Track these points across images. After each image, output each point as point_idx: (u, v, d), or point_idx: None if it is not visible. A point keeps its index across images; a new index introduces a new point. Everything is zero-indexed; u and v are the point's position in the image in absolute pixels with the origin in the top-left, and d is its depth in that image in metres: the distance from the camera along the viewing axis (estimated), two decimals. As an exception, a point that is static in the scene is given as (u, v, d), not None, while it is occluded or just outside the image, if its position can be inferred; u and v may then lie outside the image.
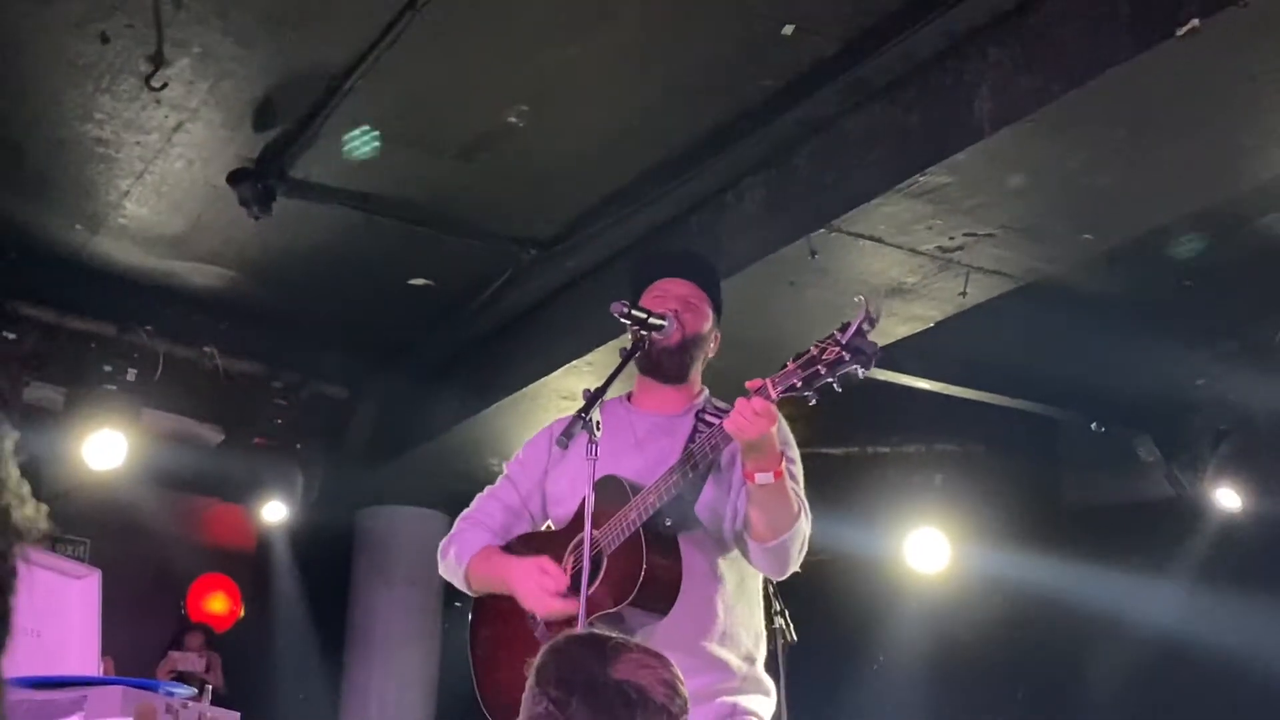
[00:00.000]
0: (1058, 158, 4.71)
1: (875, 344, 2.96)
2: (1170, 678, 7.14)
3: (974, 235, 5.22)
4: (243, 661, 8.50)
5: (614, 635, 2.35)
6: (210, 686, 3.88)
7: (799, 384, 3.02)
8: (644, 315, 3.45)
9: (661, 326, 3.46)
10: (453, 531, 3.70)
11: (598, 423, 3.23)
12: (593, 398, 3.26)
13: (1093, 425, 7.42)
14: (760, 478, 3.15)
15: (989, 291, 5.66)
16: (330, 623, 8.44)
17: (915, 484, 7.86)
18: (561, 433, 3.26)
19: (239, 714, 3.41)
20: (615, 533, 3.31)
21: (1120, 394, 7.06)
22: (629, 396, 3.65)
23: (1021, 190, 4.93)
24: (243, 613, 8.92)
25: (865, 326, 2.95)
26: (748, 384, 3.14)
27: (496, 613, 3.52)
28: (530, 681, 2.27)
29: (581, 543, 3.32)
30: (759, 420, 3.05)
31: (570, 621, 3.22)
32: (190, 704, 3.27)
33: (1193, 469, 7.11)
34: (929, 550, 7.73)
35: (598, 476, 3.35)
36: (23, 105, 5.41)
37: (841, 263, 5.44)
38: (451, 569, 3.66)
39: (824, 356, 2.97)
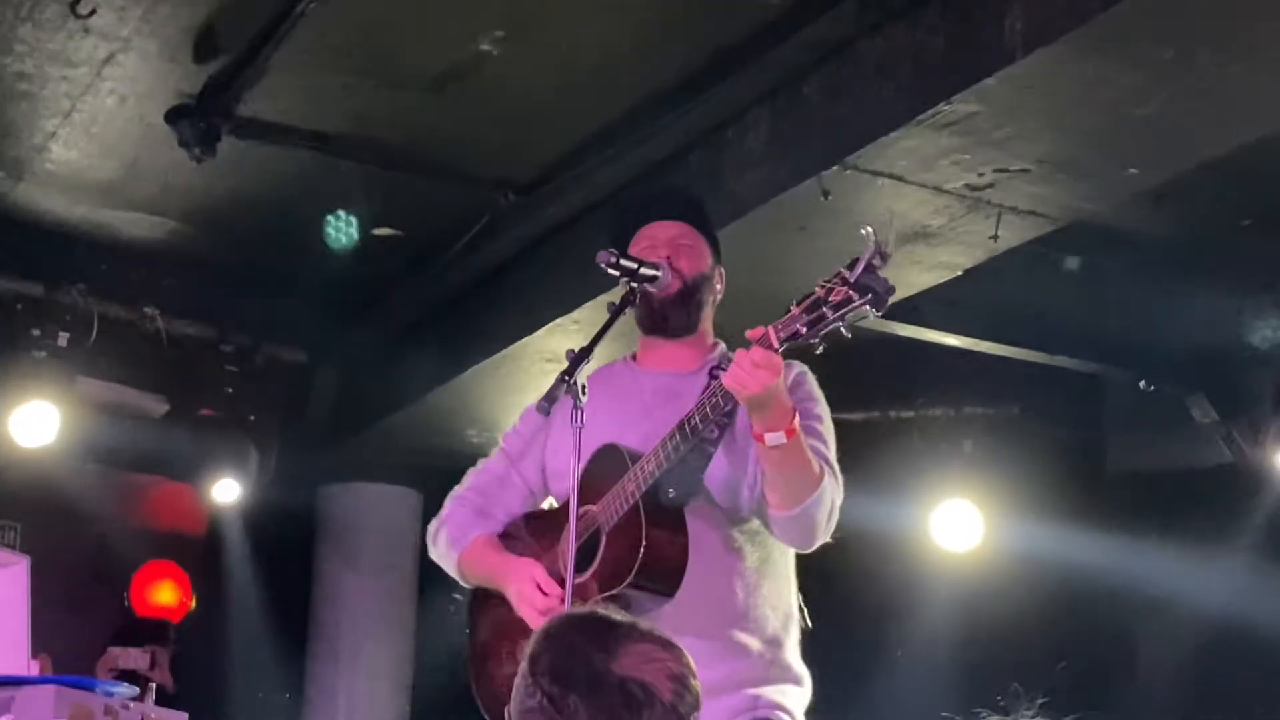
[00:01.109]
0: (1099, 83, 4.68)
1: (887, 281, 2.96)
2: (1229, 661, 7.18)
3: (1006, 171, 5.21)
4: (194, 658, 8.52)
5: (618, 618, 2.32)
6: (154, 685, 3.90)
7: (804, 330, 3.02)
8: (634, 265, 3.46)
9: (655, 277, 3.47)
10: (442, 513, 3.74)
11: (583, 386, 3.24)
12: (577, 358, 3.27)
13: (1140, 384, 7.42)
14: (770, 438, 3.13)
15: (1023, 234, 5.65)
16: (291, 614, 8.48)
17: (943, 452, 7.87)
18: (543, 398, 3.26)
19: (186, 714, 3.43)
20: (614, 507, 3.32)
21: (1171, 348, 7.06)
22: (634, 356, 3.66)
23: (1059, 120, 4.92)
24: (193, 604, 8.94)
25: (875, 262, 2.95)
26: (748, 333, 3.14)
27: (499, 600, 3.54)
28: (523, 668, 2.25)
29: (582, 519, 3.34)
30: (758, 372, 3.05)
31: None
32: (132, 704, 3.29)
33: (1252, 431, 7.12)
34: (959, 525, 7.75)
35: (598, 445, 3.38)
36: (-66, 37, 5.40)
37: (858, 204, 5.43)
38: (443, 556, 3.71)
39: (830, 298, 2.97)
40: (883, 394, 7.79)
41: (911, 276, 5.97)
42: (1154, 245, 6.28)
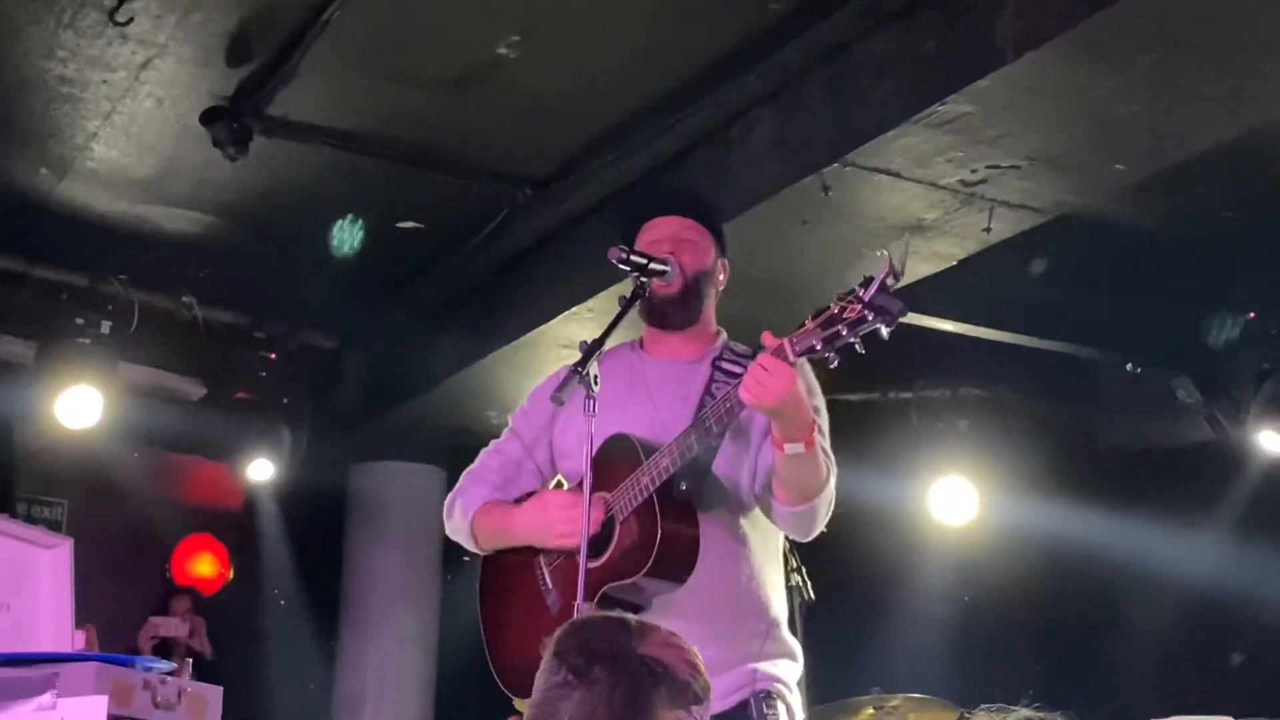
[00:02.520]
0: (1086, 84, 4.67)
1: (900, 301, 2.93)
2: (1210, 627, 7.18)
3: (998, 168, 5.20)
4: (231, 626, 8.56)
5: (639, 619, 2.36)
6: (191, 659, 3.92)
7: (818, 345, 3.00)
8: (644, 260, 3.45)
9: (664, 271, 3.45)
10: (456, 488, 3.75)
11: (595, 377, 3.23)
12: (589, 350, 3.26)
13: (1128, 366, 7.41)
14: (790, 448, 3.14)
15: (1015, 227, 5.64)
16: (323, 584, 8.51)
17: (940, 430, 7.86)
18: (556, 388, 3.26)
19: (221, 688, 3.44)
20: (627, 498, 3.32)
21: (1156, 332, 7.05)
22: (640, 342, 3.65)
23: (1048, 119, 4.91)
24: (231, 575, 8.98)
25: (889, 281, 2.93)
26: (765, 340, 3.12)
27: (507, 570, 3.55)
28: (548, 654, 2.28)
29: (594, 505, 3.33)
30: (771, 381, 3.03)
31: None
32: (169, 679, 3.30)
33: (1234, 411, 7.10)
34: (955, 500, 7.75)
35: (609, 434, 3.38)
36: (-20, 43, 5.41)
37: (857, 199, 5.42)
38: (457, 527, 3.71)
39: (845, 315, 2.95)
40: (883, 376, 7.79)
41: (909, 266, 5.90)
42: (1140, 236, 6.26)
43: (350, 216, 6.51)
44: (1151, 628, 7.28)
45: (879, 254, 2.95)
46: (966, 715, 1.93)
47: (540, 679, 2.27)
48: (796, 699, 3.43)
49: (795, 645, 3.49)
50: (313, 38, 5.22)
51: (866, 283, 2.93)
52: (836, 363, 3.03)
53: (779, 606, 3.48)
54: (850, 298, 2.95)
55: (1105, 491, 7.34)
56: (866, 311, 2.92)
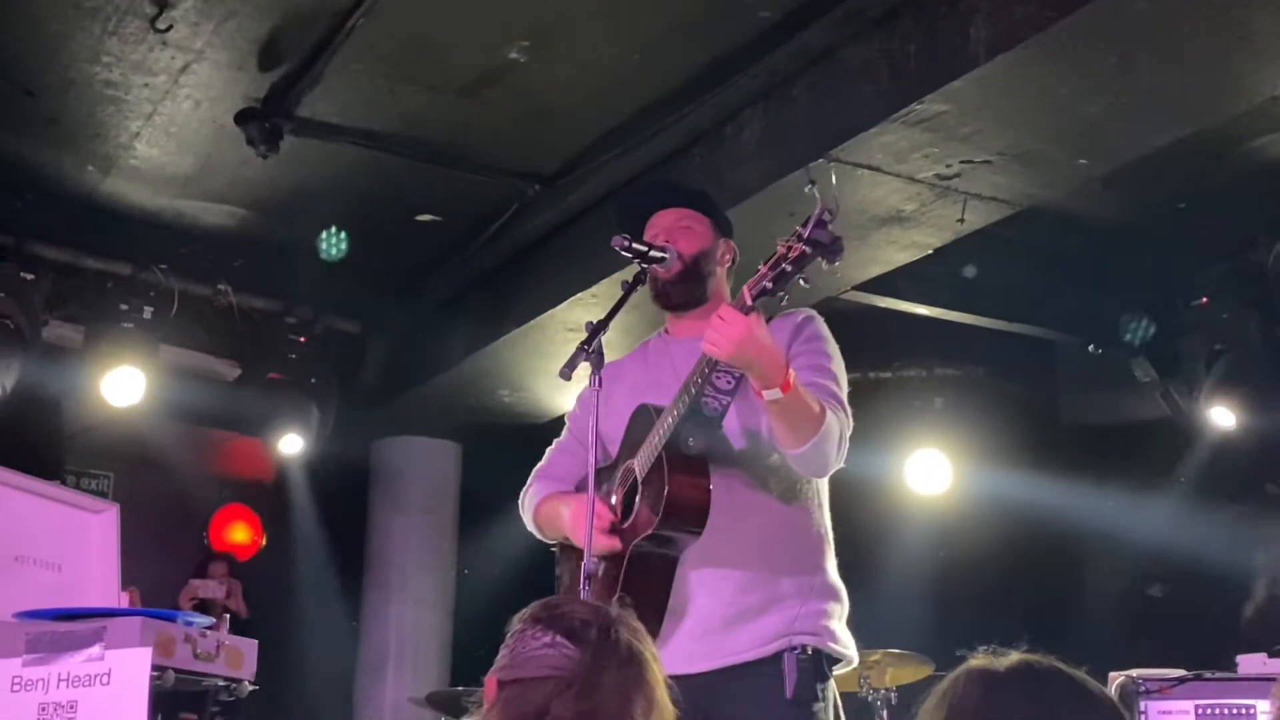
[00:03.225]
0: (1052, 85, 4.66)
1: (835, 235, 2.89)
2: (1166, 588, 7.18)
3: (970, 163, 5.18)
4: (264, 588, 8.57)
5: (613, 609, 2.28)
6: (228, 615, 3.92)
7: (770, 285, 2.97)
8: (645, 248, 3.43)
9: (663, 259, 3.43)
10: (526, 484, 3.73)
11: (601, 354, 3.22)
12: (594, 330, 3.24)
13: (1090, 347, 7.40)
14: (768, 394, 3.06)
15: (987, 218, 5.63)
16: (348, 550, 8.51)
17: (916, 407, 7.85)
18: (565, 365, 3.24)
19: (256, 641, 3.44)
20: (645, 457, 3.29)
21: (1116, 316, 7.04)
22: (666, 330, 3.64)
23: (1017, 118, 4.90)
24: (264, 542, 8.98)
25: (825, 217, 2.91)
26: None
27: (572, 551, 3.54)
28: (522, 624, 2.20)
29: (626, 471, 3.35)
30: (725, 328, 3.00)
31: (617, 554, 3.25)
32: (208, 633, 3.30)
33: (1187, 388, 7.09)
34: (930, 471, 7.74)
35: (634, 407, 3.38)
36: (32, 49, 5.38)
37: (840, 192, 5.38)
38: (527, 521, 3.70)
39: (789, 255, 2.92)
40: (864, 357, 7.77)
41: (888, 255, 5.95)
42: (1102, 226, 6.25)
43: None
44: (1110, 584, 7.28)
45: (807, 189, 2.94)
46: (967, 655, 1.89)
47: (517, 644, 2.18)
48: (843, 644, 3.33)
49: (838, 584, 3.40)
50: (339, 45, 5.20)
51: (805, 222, 2.93)
52: (786, 299, 3.01)
53: (814, 548, 3.39)
54: (792, 238, 2.94)
55: (1069, 463, 7.34)
56: (806, 248, 2.89)
